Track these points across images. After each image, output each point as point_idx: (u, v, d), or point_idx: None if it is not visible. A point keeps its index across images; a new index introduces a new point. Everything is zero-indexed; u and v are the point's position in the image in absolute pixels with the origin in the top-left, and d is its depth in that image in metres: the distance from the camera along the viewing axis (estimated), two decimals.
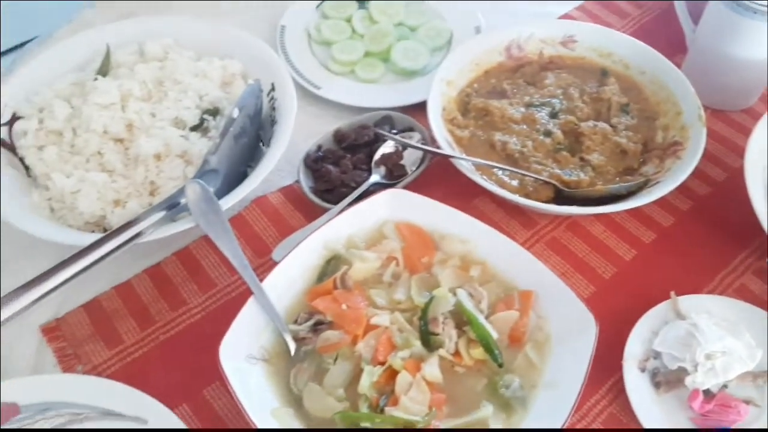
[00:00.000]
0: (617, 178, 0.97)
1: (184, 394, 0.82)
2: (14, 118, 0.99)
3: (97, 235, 0.83)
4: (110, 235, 0.81)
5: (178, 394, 0.82)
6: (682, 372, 0.80)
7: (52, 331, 0.88)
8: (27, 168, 0.97)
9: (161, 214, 0.85)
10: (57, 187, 0.90)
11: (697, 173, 0.93)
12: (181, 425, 0.76)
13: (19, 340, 0.87)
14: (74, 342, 0.87)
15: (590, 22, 1.21)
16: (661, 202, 0.96)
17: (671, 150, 0.98)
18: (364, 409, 0.75)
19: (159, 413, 0.77)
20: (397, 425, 0.73)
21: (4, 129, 0.98)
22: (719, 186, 1.03)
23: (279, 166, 0.94)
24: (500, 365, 0.79)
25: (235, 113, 0.93)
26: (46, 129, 0.97)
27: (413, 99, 1.09)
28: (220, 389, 0.83)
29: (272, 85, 1.03)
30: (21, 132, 0.98)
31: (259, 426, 0.71)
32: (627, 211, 0.97)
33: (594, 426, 0.81)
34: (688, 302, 0.86)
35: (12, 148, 0.97)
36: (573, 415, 0.74)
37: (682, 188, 0.93)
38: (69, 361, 0.86)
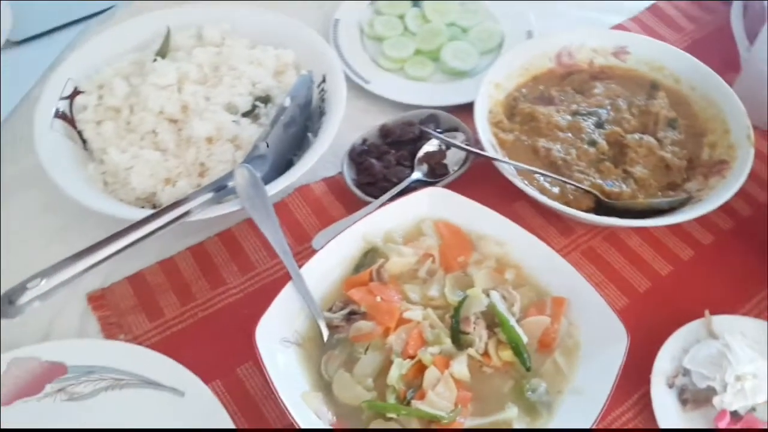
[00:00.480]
0: (659, 193, 0.97)
1: (218, 370, 0.85)
2: (75, 93, 1.03)
3: (148, 211, 0.87)
4: (160, 212, 0.85)
5: (213, 370, 0.84)
6: (711, 391, 0.80)
7: (97, 299, 0.92)
8: (84, 141, 1.01)
9: (209, 195, 0.88)
10: (112, 162, 0.94)
11: (740, 193, 0.93)
12: (215, 401, 0.79)
13: (66, 305, 0.91)
14: (117, 312, 0.91)
15: (643, 34, 1.21)
16: (701, 220, 0.96)
17: (717, 168, 0.97)
18: (391, 400, 0.76)
19: (195, 387, 0.80)
20: (422, 419, 0.75)
21: (65, 102, 1.02)
22: (762, 208, 1.02)
23: (324, 156, 0.96)
24: (528, 369, 0.80)
25: (287, 102, 0.96)
26: (104, 105, 1.01)
27: (460, 99, 1.10)
28: (252, 369, 0.85)
29: (323, 76, 1.05)
30: (81, 106, 1.02)
31: (290, 407, 0.73)
32: (666, 226, 0.97)
33: None
34: (722, 322, 0.86)
35: (71, 122, 1.01)
36: (597, 424, 0.75)
37: (724, 207, 0.92)
38: (111, 330, 0.89)
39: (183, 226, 0.92)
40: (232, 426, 0.77)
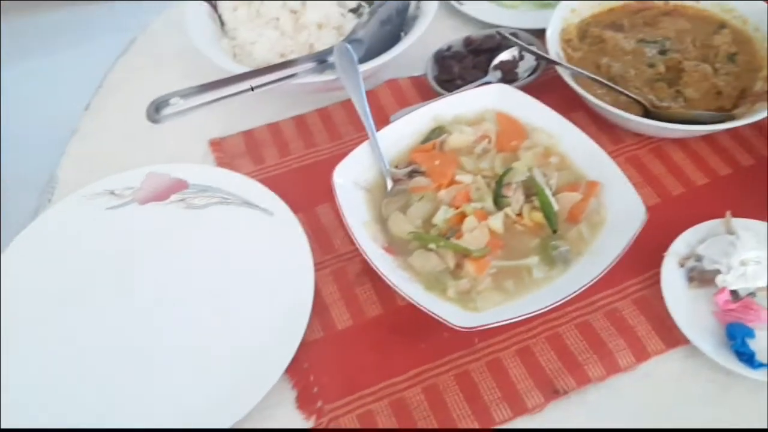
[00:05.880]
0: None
1: (301, 206, 1.03)
2: None
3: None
4: (272, 67, 1.06)
5: (297, 204, 1.03)
6: (716, 273, 0.90)
7: (216, 144, 1.14)
8: (222, 23, 1.24)
9: (312, 64, 1.08)
10: (241, 38, 1.16)
11: None
12: (296, 220, 0.98)
13: (192, 146, 1.15)
14: (230, 155, 1.13)
15: None
16: (745, 144, 1.05)
17: (765, 96, 1.05)
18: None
19: (282, 211, 1.00)
20: (457, 252, 0.91)
21: None
22: None
23: (413, 58, 1.13)
24: (554, 231, 0.93)
25: None
26: None
27: (542, 25, 1.22)
28: (329, 208, 1.04)
29: None
30: None
31: (352, 227, 0.90)
32: (710, 146, 1.07)
33: (625, 301, 0.93)
34: (740, 223, 0.94)
35: (214, 6, 1.25)
36: (609, 288, 0.90)
37: None
38: (224, 168, 1.11)
39: (290, 100, 1.12)
40: (306, 241, 0.96)
